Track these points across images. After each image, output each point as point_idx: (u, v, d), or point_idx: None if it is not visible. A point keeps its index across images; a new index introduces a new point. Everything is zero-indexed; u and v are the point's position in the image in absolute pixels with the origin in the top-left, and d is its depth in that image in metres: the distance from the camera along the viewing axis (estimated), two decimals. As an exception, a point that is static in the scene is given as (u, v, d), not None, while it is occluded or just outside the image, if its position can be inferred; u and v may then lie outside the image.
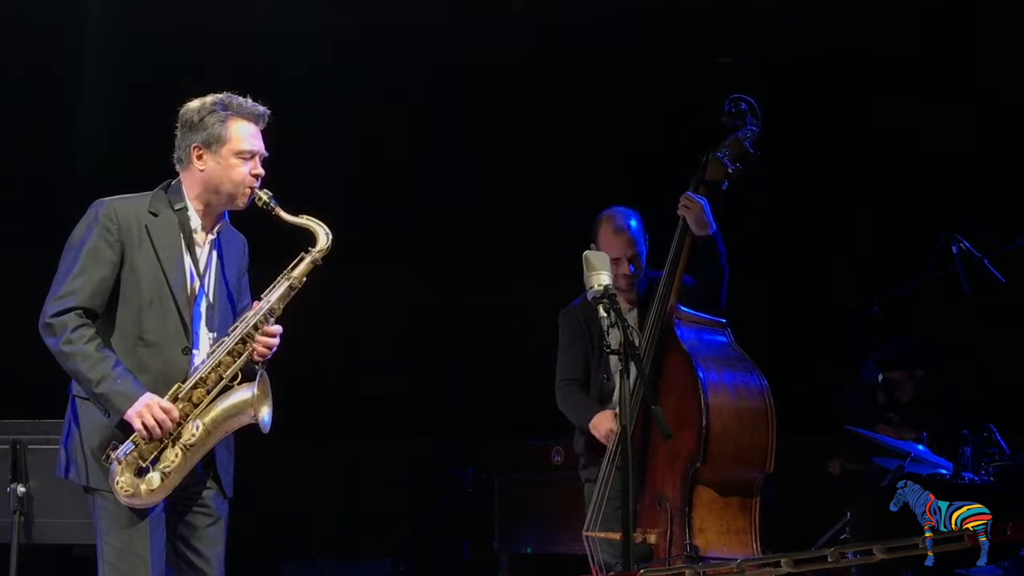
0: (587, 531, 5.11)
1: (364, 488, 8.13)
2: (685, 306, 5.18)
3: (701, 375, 4.91)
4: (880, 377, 6.69)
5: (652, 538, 4.91)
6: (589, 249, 4.97)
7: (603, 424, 5.17)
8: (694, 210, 5.19)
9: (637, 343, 4.67)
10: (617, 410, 5.08)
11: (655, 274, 5.31)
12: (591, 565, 5.10)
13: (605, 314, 4.40)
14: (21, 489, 4.78)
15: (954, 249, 6.16)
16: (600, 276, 4.47)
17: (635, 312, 5.29)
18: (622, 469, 4.42)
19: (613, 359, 5.04)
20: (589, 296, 4.53)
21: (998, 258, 6.15)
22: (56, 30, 7.26)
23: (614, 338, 4.44)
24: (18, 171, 7.55)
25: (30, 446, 4.77)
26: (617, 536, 4.91)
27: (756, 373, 5.06)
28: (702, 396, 4.88)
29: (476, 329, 8.34)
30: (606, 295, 4.43)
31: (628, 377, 4.45)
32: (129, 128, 7.53)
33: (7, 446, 4.77)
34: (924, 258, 6.35)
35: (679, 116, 5.53)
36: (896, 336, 6.80)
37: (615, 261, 5.25)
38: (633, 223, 5.34)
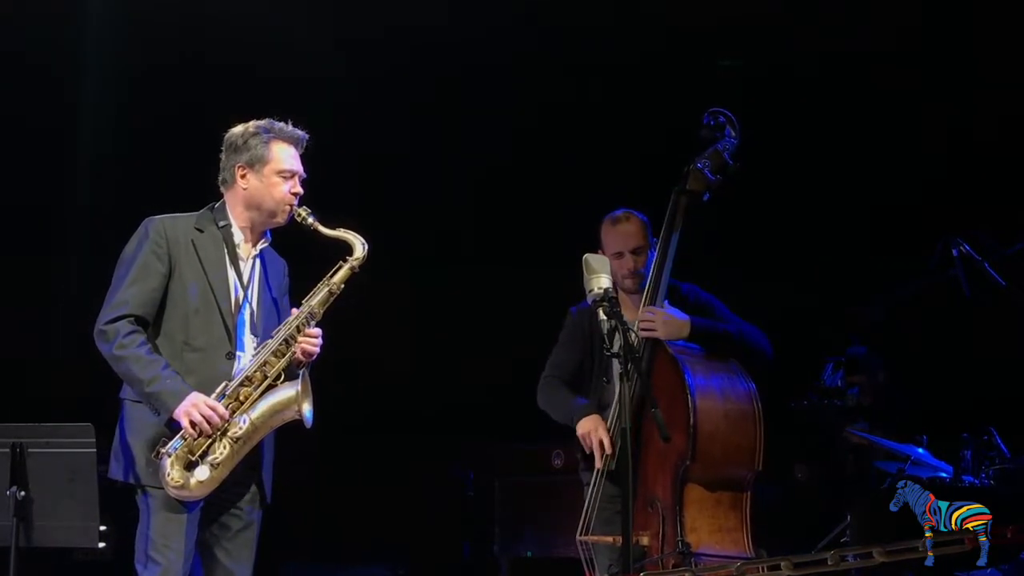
0: (581, 535, 5.12)
1: (364, 491, 8.13)
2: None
3: (689, 379, 4.95)
4: (843, 382, 6.71)
5: (644, 540, 4.95)
6: (589, 249, 4.98)
7: (590, 427, 5.16)
8: (659, 327, 5.10)
9: (637, 345, 4.68)
10: (613, 412, 5.11)
11: (671, 281, 5.30)
12: (585, 569, 5.12)
13: (605, 317, 4.41)
14: (21, 493, 4.77)
15: (954, 252, 6.16)
16: (600, 279, 4.48)
17: None
18: (621, 471, 4.42)
19: (614, 362, 5.03)
20: (588, 299, 4.53)
21: (998, 261, 6.15)
22: (56, 30, 7.27)
23: (615, 341, 4.44)
24: (18, 174, 7.55)
25: (30, 449, 4.78)
26: (610, 540, 4.95)
27: (743, 376, 5.11)
28: (689, 399, 4.93)
29: (476, 331, 8.33)
30: (606, 298, 4.43)
31: (628, 380, 4.46)
32: (129, 128, 7.53)
33: (7, 449, 4.77)
34: (924, 261, 6.35)
35: (681, 118, 5.53)
36: (851, 344, 6.83)
37: (618, 256, 5.25)
38: (635, 220, 5.34)
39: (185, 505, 4.50)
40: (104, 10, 7.22)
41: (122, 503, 4.72)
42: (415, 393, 8.28)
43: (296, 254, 4.91)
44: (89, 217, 7.63)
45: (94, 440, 4.78)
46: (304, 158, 4.76)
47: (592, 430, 5.15)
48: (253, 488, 4.66)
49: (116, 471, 4.59)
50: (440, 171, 8.01)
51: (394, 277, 8.13)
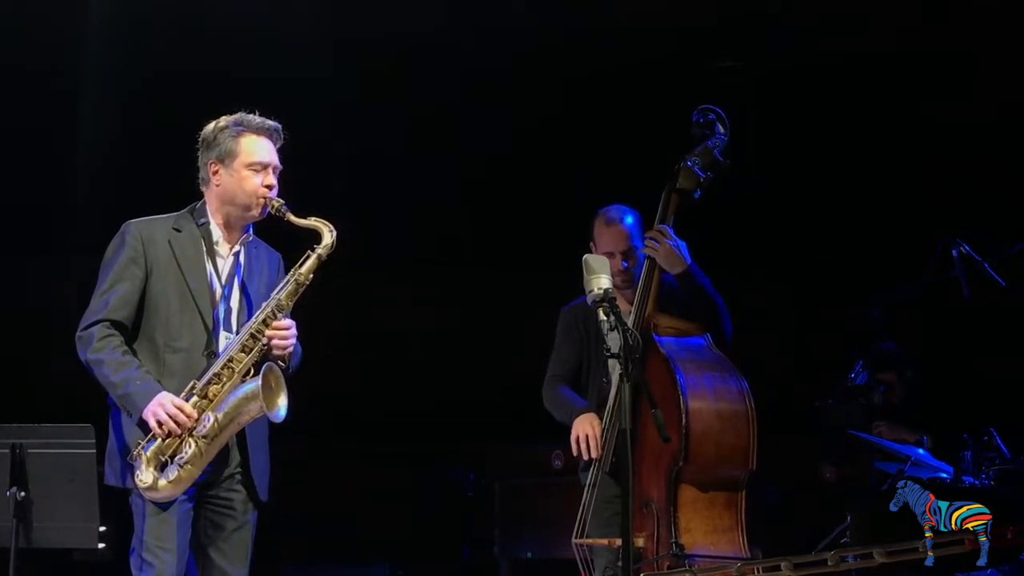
0: (577, 538, 5.13)
1: (364, 492, 8.13)
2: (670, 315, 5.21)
3: (680, 379, 4.95)
4: (872, 380, 6.69)
5: (640, 541, 4.94)
6: (588, 251, 4.99)
7: (582, 426, 5.18)
8: (661, 250, 5.20)
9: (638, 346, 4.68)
10: (610, 413, 5.11)
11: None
12: (582, 571, 5.12)
13: (604, 317, 4.41)
14: (21, 493, 4.78)
15: (954, 253, 6.16)
16: (600, 280, 4.47)
17: None
18: (620, 472, 4.42)
19: (612, 362, 5.03)
20: (588, 300, 4.53)
21: (998, 262, 6.15)
22: (57, 33, 7.26)
23: (614, 342, 4.44)
24: (18, 175, 7.55)
25: (30, 450, 4.78)
26: (605, 542, 4.96)
27: (735, 375, 5.09)
28: (681, 399, 4.92)
29: (476, 332, 8.33)
30: (605, 299, 4.43)
31: (628, 381, 4.45)
32: (129, 128, 7.53)
33: (7, 450, 4.77)
34: (924, 262, 6.35)
35: (679, 119, 5.54)
36: (877, 340, 6.81)
37: (609, 256, 5.26)
38: (628, 219, 5.36)
39: (176, 505, 4.49)
40: (104, 12, 7.22)
41: (122, 504, 4.71)
42: (415, 393, 8.27)
43: (284, 251, 4.88)
44: (89, 217, 7.62)
45: (94, 441, 4.78)
46: (300, 156, 4.74)
47: (583, 428, 5.17)
48: (243, 490, 4.63)
49: (110, 477, 4.60)
50: (439, 172, 8.01)
51: (394, 278, 8.15)
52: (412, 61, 7.51)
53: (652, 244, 5.23)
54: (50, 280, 7.91)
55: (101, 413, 4.72)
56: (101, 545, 6.00)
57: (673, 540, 4.87)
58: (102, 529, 5.15)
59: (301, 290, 4.62)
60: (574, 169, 7.82)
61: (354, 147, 7.78)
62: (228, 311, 4.63)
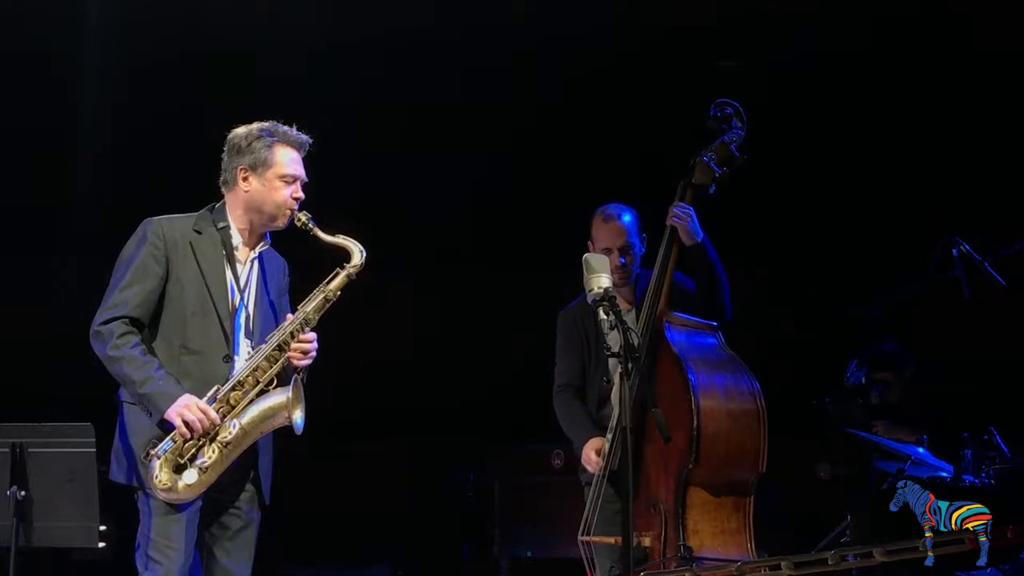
0: (582, 536, 5.12)
1: (364, 492, 8.13)
2: (680, 312, 5.20)
3: (692, 378, 4.94)
4: (867, 379, 6.69)
5: (647, 541, 4.94)
6: (587, 251, 5.00)
7: (592, 455, 5.22)
8: (685, 220, 5.21)
9: (637, 345, 4.68)
10: (608, 436, 5.12)
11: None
12: (587, 570, 5.12)
13: (605, 316, 4.41)
14: (21, 493, 4.78)
15: (954, 252, 6.15)
16: (600, 279, 4.48)
17: (633, 313, 5.29)
18: (622, 471, 4.42)
19: (612, 361, 5.03)
20: (589, 299, 4.54)
21: (998, 262, 6.14)
22: (56, 29, 7.26)
23: (614, 340, 4.44)
24: (18, 175, 7.55)
25: (30, 449, 4.79)
26: (611, 540, 4.95)
27: (747, 375, 5.09)
28: (693, 399, 4.91)
29: (475, 332, 8.33)
30: (606, 298, 4.44)
31: (628, 379, 4.45)
32: (129, 128, 7.53)
33: (7, 449, 4.77)
34: (924, 261, 6.35)
35: (680, 118, 5.55)
36: (876, 340, 6.81)
37: (606, 252, 5.26)
38: (625, 216, 5.36)
39: (185, 505, 4.50)
40: (104, 9, 7.22)
41: (122, 503, 4.72)
42: (415, 393, 8.27)
43: (294, 258, 4.90)
44: (89, 217, 7.62)
45: (94, 440, 4.79)
46: (304, 159, 4.76)
47: (587, 453, 5.21)
48: (251, 489, 4.67)
49: (117, 474, 4.60)
50: (440, 172, 8.00)
51: (394, 277, 8.14)
52: (412, 61, 7.51)
53: (677, 215, 5.22)
54: (50, 280, 7.91)
55: (101, 413, 4.72)
56: (101, 544, 6.02)
57: (681, 542, 4.86)
58: (102, 528, 5.16)
59: (328, 306, 4.67)
60: (578, 169, 7.81)
61: (353, 147, 7.76)
62: (248, 317, 4.65)
